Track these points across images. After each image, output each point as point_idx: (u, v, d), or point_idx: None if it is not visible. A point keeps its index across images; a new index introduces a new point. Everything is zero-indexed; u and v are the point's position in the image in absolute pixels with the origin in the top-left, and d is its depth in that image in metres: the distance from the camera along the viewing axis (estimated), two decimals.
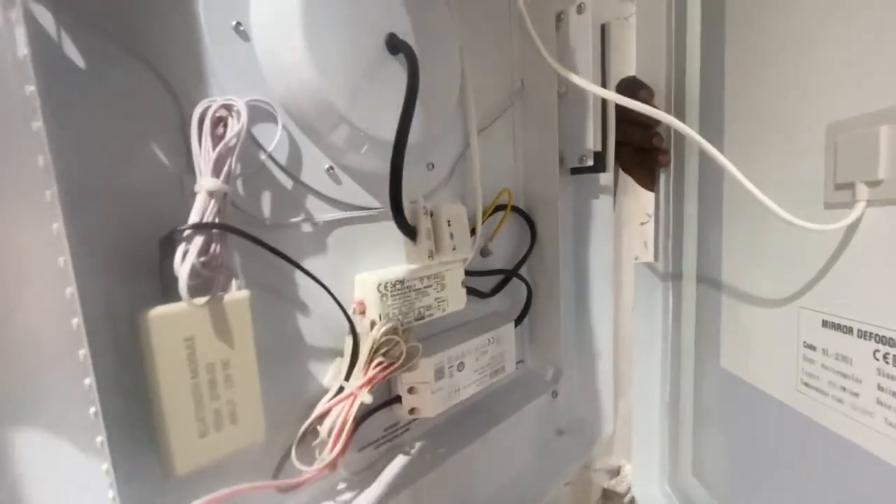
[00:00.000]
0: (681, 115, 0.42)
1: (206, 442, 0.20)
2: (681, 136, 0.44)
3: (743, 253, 0.36)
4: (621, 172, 0.48)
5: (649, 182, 0.46)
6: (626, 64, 0.46)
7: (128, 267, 0.19)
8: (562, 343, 0.41)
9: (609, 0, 0.44)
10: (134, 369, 0.18)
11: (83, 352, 0.17)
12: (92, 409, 0.18)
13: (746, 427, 0.37)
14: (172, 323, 0.19)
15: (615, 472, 0.63)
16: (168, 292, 0.19)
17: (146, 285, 0.20)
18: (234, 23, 0.22)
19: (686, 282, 0.44)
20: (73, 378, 0.18)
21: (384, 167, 0.24)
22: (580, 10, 0.39)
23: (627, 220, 0.56)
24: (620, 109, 0.41)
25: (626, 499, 0.61)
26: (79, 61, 0.18)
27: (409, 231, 0.27)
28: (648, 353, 0.49)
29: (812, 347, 0.29)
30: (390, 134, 0.24)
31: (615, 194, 0.47)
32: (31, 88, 0.16)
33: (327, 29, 0.23)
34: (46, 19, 0.17)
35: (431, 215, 0.29)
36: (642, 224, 0.56)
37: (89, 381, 0.18)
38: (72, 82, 0.18)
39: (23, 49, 0.16)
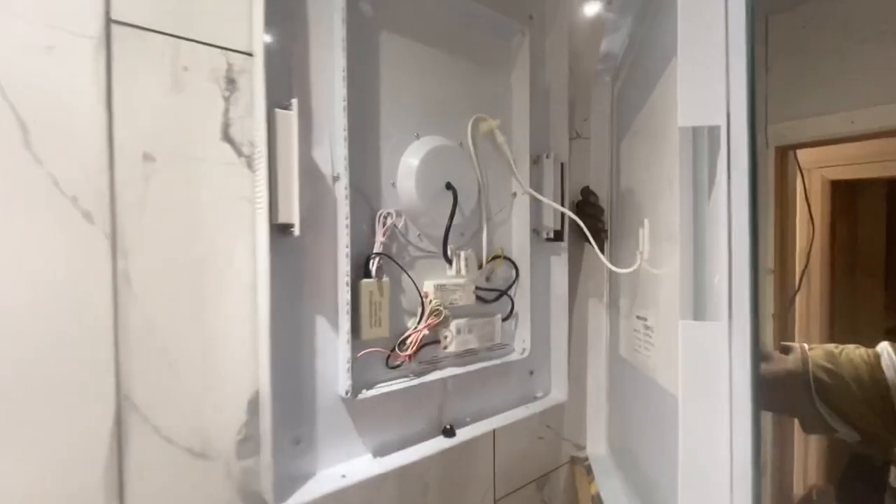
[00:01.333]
0: (613, 207, 0.77)
1: (372, 329, 0.55)
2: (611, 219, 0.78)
3: (624, 289, 0.68)
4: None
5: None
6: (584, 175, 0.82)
7: (358, 264, 0.55)
8: (529, 337, 0.73)
9: (562, 142, 0.79)
10: (354, 302, 0.54)
11: (343, 294, 0.53)
12: (344, 313, 0.54)
13: (620, 387, 0.68)
14: (366, 286, 0.55)
15: (581, 447, 0.91)
16: (368, 275, 0.55)
17: (362, 273, 0.56)
18: (392, 182, 0.60)
19: (611, 309, 0.77)
20: (338, 301, 0.54)
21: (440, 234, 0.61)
22: (548, 156, 0.76)
23: (594, 270, 0.89)
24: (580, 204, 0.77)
25: (585, 463, 0.89)
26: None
27: (448, 261, 0.63)
28: (598, 352, 0.80)
29: (635, 329, 0.60)
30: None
31: (578, 256, 0.81)
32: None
33: (424, 180, 0.60)
34: None
35: (458, 256, 0.64)
36: (599, 276, 0.89)
37: (345, 304, 0.53)
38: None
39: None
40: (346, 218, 0.52)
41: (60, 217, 0.39)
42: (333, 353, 0.54)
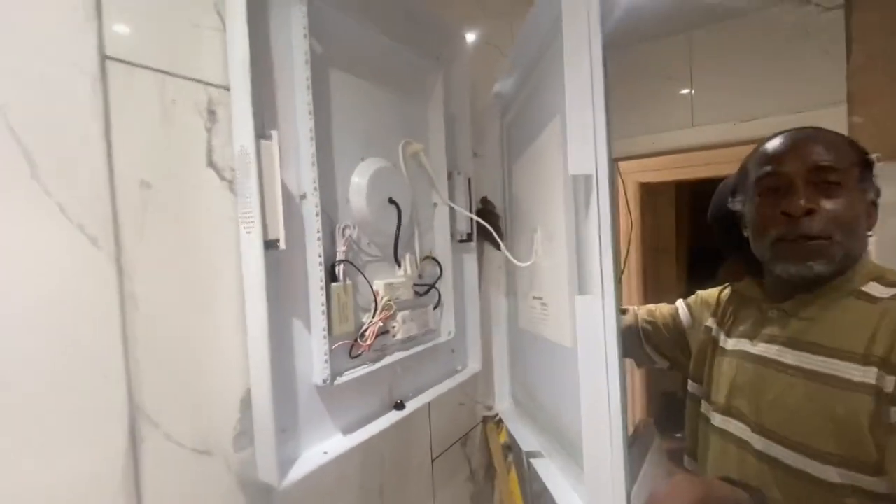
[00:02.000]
0: (507, 214, 0.97)
1: (340, 326, 0.64)
2: (506, 223, 0.98)
3: (521, 278, 0.89)
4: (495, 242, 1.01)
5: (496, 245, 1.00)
6: (485, 187, 1.00)
7: (325, 270, 0.64)
8: (453, 321, 0.89)
9: (467, 161, 0.97)
10: (327, 303, 0.63)
11: (317, 297, 0.62)
12: (319, 314, 0.62)
13: (522, 351, 0.88)
14: (335, 289, 0.64)
15: (490, 407, 1.11)
16: (335, 279, 0.64)
17: (329, 278, 0.64)
18: (346, 198, 0.69)
19: (510, 295, 0.97)
20: (310, 304, 0.62)
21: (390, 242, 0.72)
22: (458, 172, 0.92)
23: (492, 264, 1.08)
24: (481, 211, 0.95)
25: (496, 418, 1.09)
26: None
27: (398, 264, 0.75)
28: (500, 327, 1.00)
29: (533, 306, 0.81)
30: (392, 230, 0.72)
31: (481, 252, 1.00)
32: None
33: (371, 195, 0.71)
34: None
35: (405, 259, 0.76)
36: (499, 268, 1.09)
37: (319, 305, 0.62)
38: None
39: None
40: (318, 231, 0.61)
41: (70, 243, 0.41)
42: (308, 349, 0.62)
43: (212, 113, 0.53)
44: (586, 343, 0.57)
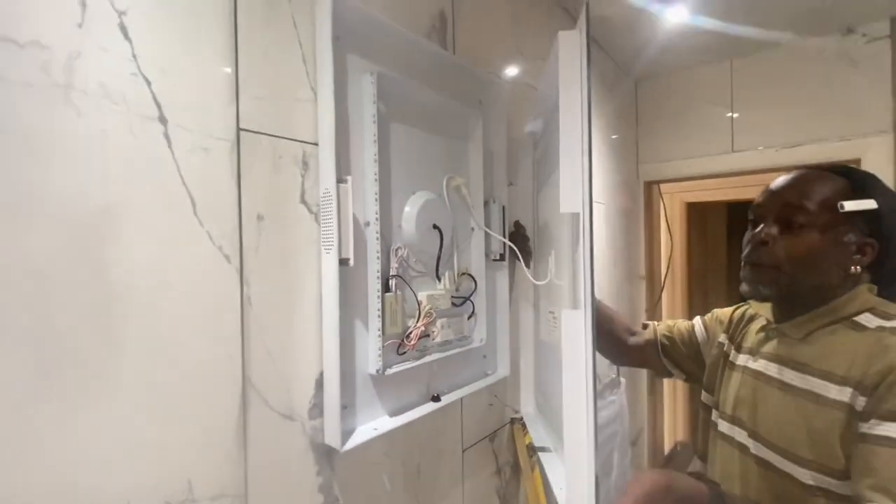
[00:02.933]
0: (534, 236, 1.10)
1: (391, 328, 0.80)
2: (534, 244, 1.11)
3: (542, 294, 1.01)
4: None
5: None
6: (518, 212, 1.14)
7: (381, 282, 0.81)
8: (485, 330, 1.03)
9: (503, 190, 1.11)
10: (382, 309, 0.79)
11: (375, 304, 0.78)
12: (376, 317, 0.78)
13: (542, 361, 1.00)
14: (388, 298, 0.80)
15: (517, 410, 1.23)
16: (388, 290, 0.81)
17: (384, 289, 0.81)
18: (398, 224, 0.86)
19: (536, 309, 1.10)
20: (369, 309, 0.78)
21: (433, 261, 0.88)
22: (494, 201, 1.07)
23: (524, 280, 1.22)
24: (513, 234, 1.09)
25: (521, 421, 1.21)
26: None
27: (438, 279, 0.90)
28: (527, 339, 1.13)
29: (548, 319, 0.93)
30: (434, 251, 0.88)
31: (513, 271, 1.13)
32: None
33: (419, 222, 0.87)
34: None
35: (444, 275, 0.92)
36: (527, 285, 1.22)
37: (376, 310, 0.78)
38: None
39: None
40: (377, 252, 0.78)
41: (213, 259, 0.60)
42: (366, 345, 0.78)
43: (305, 164, 0.71)
44: (569, 345, 0.70)
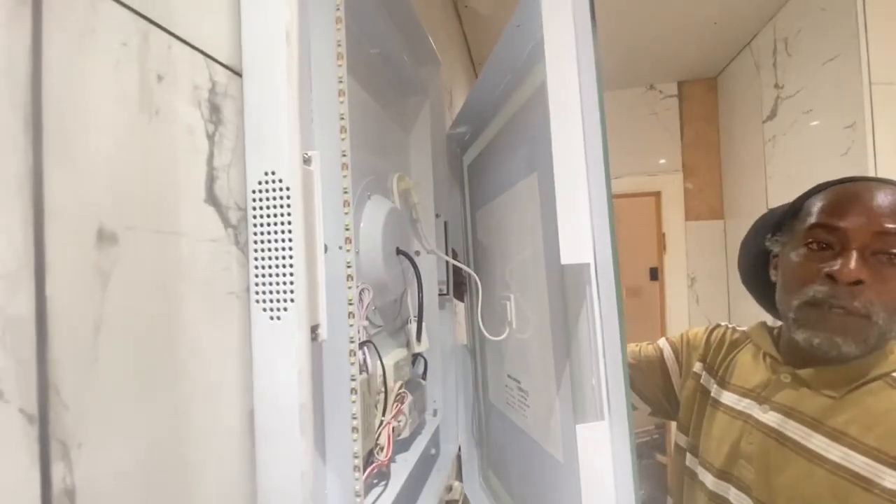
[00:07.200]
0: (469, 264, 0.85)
1: (365, 441, 0.43)
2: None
3: (489, 345, 0.78)
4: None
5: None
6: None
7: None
8: (439, 393, 0.73)
9: (444, 201, 0.84)
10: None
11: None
12: (350, 422, 0.40)
13: (492, 429, 0.76)
14: (363, 384, 0.43)
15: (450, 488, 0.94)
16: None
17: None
18: (357, 250, 0.49)
19: (476, 356, 0.85)
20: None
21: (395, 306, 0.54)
22: (438, 215, 0.78)
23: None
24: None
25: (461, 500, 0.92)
26: None
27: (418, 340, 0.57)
28: (467, 393, 0.86)
29: (508, 386, 0.69)
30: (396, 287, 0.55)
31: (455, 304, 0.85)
32: None
33: (385, 245, 0.53)
34: None
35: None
36: (458, 322, 0.96)
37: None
38: None
39: None
40: (348, 306, 0.41)
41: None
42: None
43: (216, 109, 0.30)
44: (593, 484, 0.39)
